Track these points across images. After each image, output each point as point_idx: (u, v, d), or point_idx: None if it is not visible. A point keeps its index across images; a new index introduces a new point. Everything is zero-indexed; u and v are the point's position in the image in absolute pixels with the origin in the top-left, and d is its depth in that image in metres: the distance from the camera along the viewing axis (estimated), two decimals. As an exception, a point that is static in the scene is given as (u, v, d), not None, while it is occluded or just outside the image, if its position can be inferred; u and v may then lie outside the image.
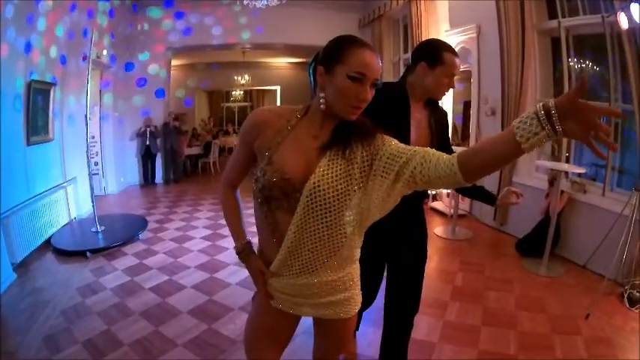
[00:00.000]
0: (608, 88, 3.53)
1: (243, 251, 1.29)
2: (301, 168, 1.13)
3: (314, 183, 1.10)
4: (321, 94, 1.13)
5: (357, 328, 2.13)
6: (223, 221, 5.17)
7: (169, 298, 3.20)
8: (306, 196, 1.10)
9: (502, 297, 3.08)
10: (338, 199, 1.10)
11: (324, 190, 1.10)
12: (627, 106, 3.38)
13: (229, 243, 4.47)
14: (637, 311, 2.75)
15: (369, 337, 2.48)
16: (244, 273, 3.59)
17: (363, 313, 2.08)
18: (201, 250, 4.31)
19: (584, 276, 3.35)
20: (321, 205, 1.10)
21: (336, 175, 1.11)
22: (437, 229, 4.80)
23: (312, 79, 1.21)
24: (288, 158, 1.14)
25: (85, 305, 3.06)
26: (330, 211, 1.11)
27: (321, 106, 1.13)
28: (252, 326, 1.37)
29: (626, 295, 2.88)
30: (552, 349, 2.40)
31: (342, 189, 1.11)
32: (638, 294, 2.85)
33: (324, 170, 1.11)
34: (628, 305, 2.83)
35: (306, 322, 1.43)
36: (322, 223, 1.12)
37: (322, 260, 1.17)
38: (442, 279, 3.44)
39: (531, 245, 3.76)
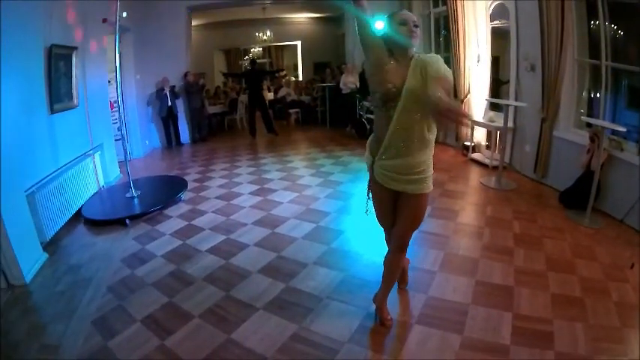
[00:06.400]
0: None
1: None
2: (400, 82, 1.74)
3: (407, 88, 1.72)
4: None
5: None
6: (268, 175, 4.82)
7: (233, 259, 2.83)
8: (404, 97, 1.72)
9: (558, 245, 2.97)
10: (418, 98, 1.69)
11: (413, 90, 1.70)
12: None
13: (280, 197, 4.10)
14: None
15: (453, 282, 2.46)
16: (307, 226, 3.33)
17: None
18: (253, 206, 3.87)
19: (622, 229, 3.22)
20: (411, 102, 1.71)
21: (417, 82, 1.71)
22: (482, 178, 4.50)
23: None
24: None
25: (136, 277, 2.65)
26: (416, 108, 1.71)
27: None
28: (374, 202, 2.02)
29: None
30: (609, 293, 2.36)
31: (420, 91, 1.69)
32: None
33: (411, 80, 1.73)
34: None
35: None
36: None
37: (409, 144, 1.76)
38: (501, 226, 3.30)
39: (574, 197, 3.67)
